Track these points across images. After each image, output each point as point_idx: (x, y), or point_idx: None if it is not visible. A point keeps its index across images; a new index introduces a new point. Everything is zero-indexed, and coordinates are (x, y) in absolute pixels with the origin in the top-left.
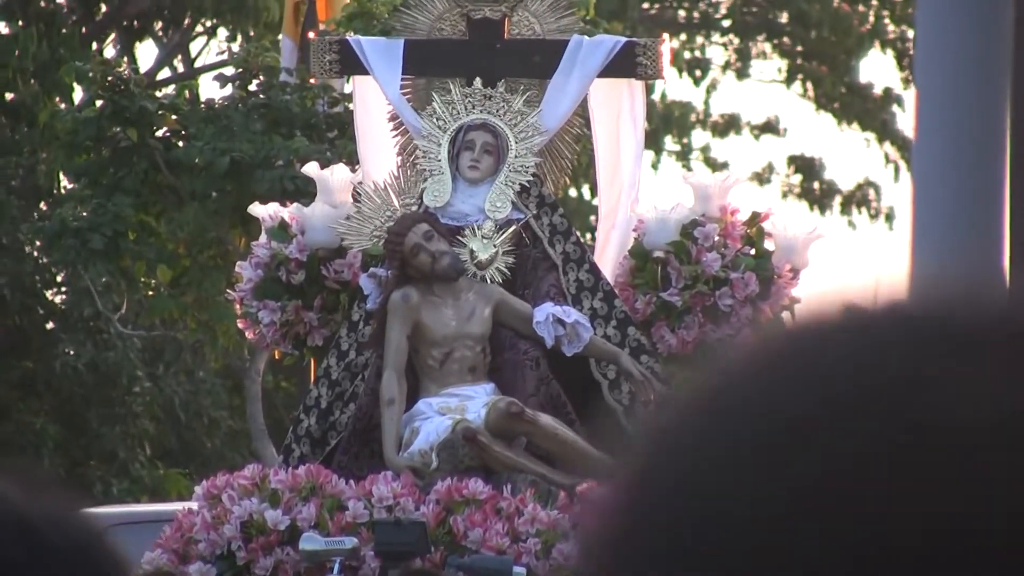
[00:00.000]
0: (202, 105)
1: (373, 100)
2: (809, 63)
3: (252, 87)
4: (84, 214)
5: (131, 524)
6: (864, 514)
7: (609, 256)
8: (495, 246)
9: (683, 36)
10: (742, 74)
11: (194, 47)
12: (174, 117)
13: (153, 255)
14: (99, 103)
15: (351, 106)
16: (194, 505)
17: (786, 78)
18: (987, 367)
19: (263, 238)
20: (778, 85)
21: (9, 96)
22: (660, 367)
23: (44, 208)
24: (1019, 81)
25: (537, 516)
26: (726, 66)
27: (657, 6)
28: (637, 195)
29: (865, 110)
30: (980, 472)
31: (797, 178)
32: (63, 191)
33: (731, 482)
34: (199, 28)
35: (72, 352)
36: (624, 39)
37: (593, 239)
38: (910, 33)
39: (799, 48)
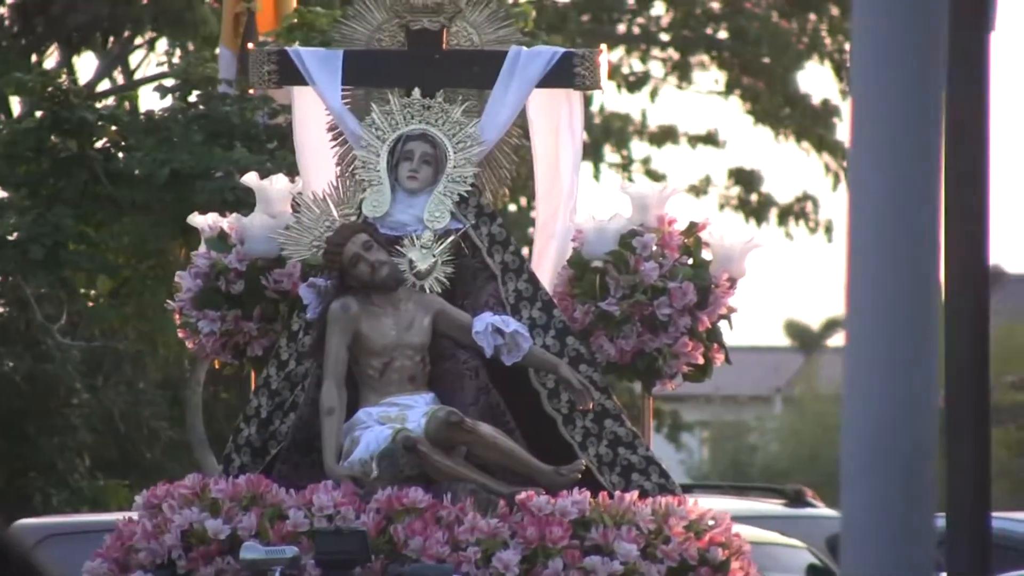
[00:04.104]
0: (142, 116)
1: (312, 111)
2: (747, 77)
3: (192, 98)
4: (23, 225)
5: (71, 534)
6: None
7: (547, 266)
8: (434, 256)
9: (622, 50)
10: (682, 79)
11: (133, 59)
12: (114, 128)
13: (93, 266)
14: (39, 114)
15: (291, 117)
16: (135, 515)
17: (724, 90)
18: None
19: (202, 248)
20: (717, 96)
21: None
22: (599, 376)
23: None
24: (953, 90)
25: (477, 525)
26: (665, 76)
27: (596, 20)
28: (575, 205)
29: (803, 123)
30: None
31: (735, 190)
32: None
33: None
34: (139, 40)
35: (10, 364)
36: (562, 49)
37: (531, 251)
38: (848, 45)
39: (738, 61)
